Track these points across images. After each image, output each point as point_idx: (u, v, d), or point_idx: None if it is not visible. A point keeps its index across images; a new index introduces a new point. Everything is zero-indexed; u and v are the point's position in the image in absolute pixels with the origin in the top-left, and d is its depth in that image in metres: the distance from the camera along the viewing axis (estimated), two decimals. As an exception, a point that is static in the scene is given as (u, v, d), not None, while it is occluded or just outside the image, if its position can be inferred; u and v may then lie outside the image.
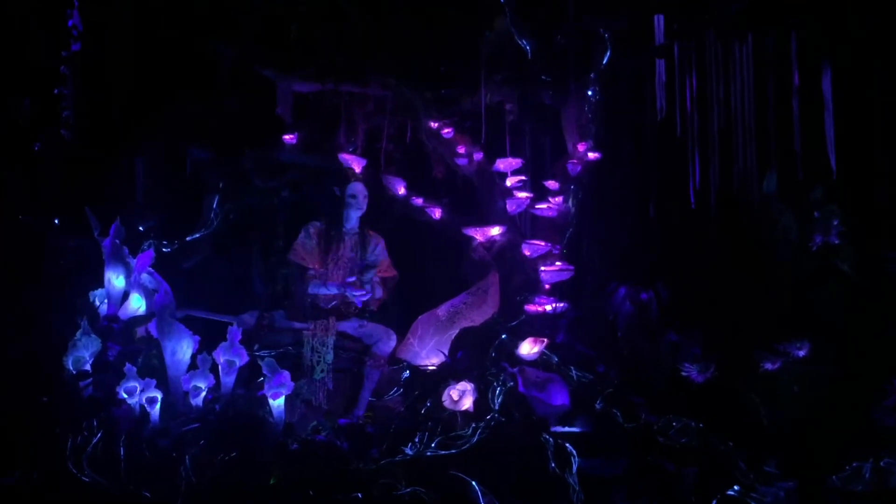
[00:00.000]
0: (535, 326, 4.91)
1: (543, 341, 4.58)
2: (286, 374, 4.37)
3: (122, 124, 5.79)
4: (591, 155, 5.71)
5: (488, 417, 4.24)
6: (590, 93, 5.53)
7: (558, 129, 5.81)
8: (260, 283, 5.96)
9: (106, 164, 5.75)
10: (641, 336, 5.40)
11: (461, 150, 5.94)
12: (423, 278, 5.98)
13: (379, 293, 5.13)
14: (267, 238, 5.96)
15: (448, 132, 5.93)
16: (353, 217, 5.18)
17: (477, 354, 4.66)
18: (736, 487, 4.01)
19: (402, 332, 5.22)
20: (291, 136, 6.11)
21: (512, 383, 4.40)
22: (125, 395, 4.11)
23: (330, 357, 5.04)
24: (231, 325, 4.57)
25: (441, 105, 5.93)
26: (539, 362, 4.68)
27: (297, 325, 5.08)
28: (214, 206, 5.89)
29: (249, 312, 5.07)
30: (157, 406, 4.12)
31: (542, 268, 5.31)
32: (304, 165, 6.05)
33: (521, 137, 6.05)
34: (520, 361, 4.60)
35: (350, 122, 6.17)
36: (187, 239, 5.76)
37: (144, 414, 4.09)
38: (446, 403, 4.26)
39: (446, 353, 4.86)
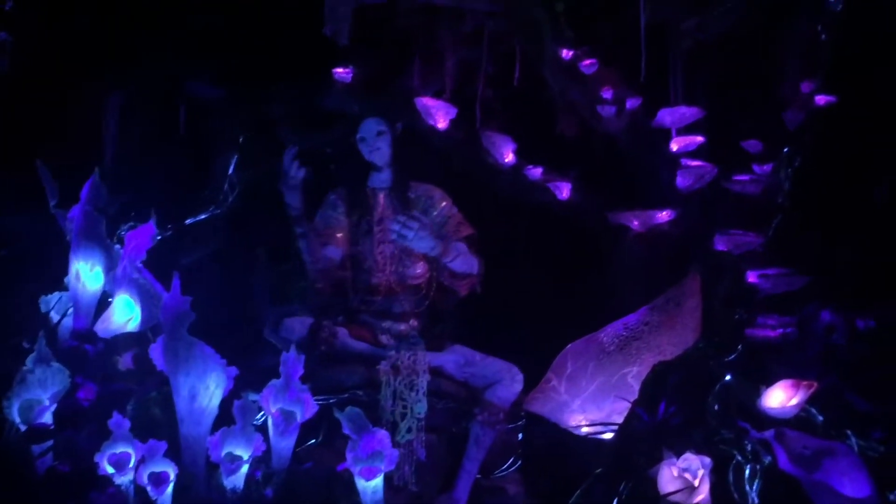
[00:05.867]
0: (772, 362, 3.99)
1: (811, 387, 3.47)
2: (383, 434, 3.35)
3: (85, 45, 4.91)
4: (821, 99, 4.74)
5: (746, 519, 3.17)
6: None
7: (765, 60, 4.74)
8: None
9: (61, 106, 4.87)
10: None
11: (607, 93, 5.00)
12: (543, 291, 5.07)
13: (475, 264, 4.21)
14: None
15: (590, 65, 4.98)
16: (380, 165, 4.37)
17: (691, 407, 3.55)
18: None
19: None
20: (346, 69, 5.24)
21: (769, 458, 3.42)
22: (110, 470, 3.13)
23: (422, 408, 4.08)
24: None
25: (579, 24, 4.97)
26: (793, 422, 3.67)
27: (367, 349, 4.17)
28: (230, 172, 5.05)
29: (299, 318, 4.15)
30: (169, 490, 3.12)
31: (761, 272, 4.26)
32: (361, 116, 4.90)
33: (698, 74, 5.01)
34: (766, 420, 3.61)
35: (434, 51, 5.27)
36: (187, 222, 4.93)
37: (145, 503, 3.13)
38: (675, 495, 3.18)
39: (629, 400, 3.92)
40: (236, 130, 5.11)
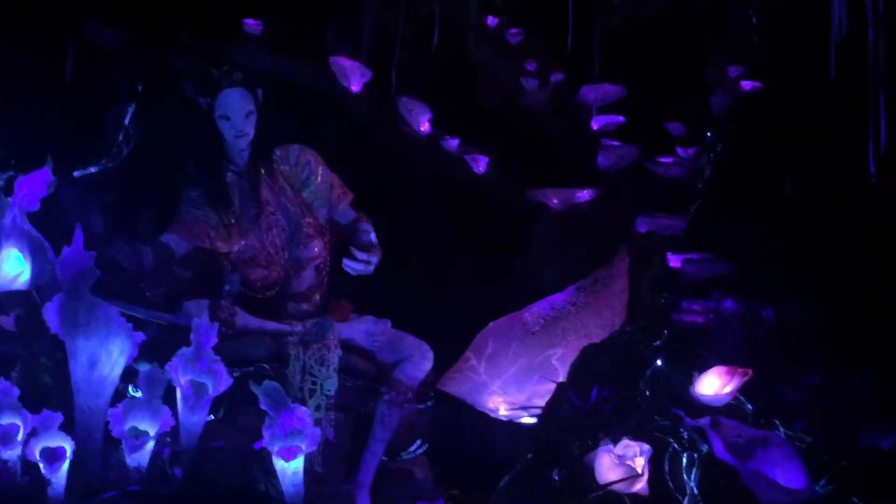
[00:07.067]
0: (700, 348, 3.80)
1: (745, 374, 3.43)
2: (303, 412, 3.08)
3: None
4: (747, 84, 4.71)
5: (685, 508, 3.04)
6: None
7: (695, 40, 4.67)
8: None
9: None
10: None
11: (531, 65, 4.93)
12: (457, 271, 4.88)
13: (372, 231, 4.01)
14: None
15: (515, 34, 4.91)
16: (242, 148, 3.85)
17: (623, 392, 3.50)
18: None
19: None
20: (256, 22, 4.98)
21: (706, 447, 3.29)
22: (-4, 445, 2.79)
23: (332, 385, 3.83)
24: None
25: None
26: (723, 410, 3.51)
27: (272, 325, 3.89)
28: (126, 123, 4.59)
29: (194, 301, 3.80)
30: (64, 467, 2.79)
31: (685, 257, 4.16)
32: (269, 72, 4.61)
33: (626, 51, 4.93)
34: (699, 407, 3.48)
35: (351, 9, 5.05)
36: (75, 175, 4.46)
37: (38, 483, 2.81)
38: (618, 484, 3.08)
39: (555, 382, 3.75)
40: (135, 80, 4.69)
